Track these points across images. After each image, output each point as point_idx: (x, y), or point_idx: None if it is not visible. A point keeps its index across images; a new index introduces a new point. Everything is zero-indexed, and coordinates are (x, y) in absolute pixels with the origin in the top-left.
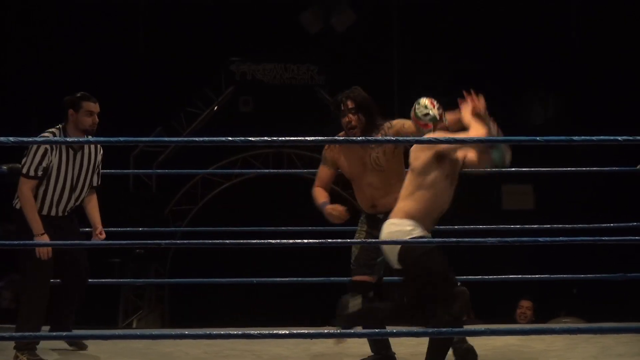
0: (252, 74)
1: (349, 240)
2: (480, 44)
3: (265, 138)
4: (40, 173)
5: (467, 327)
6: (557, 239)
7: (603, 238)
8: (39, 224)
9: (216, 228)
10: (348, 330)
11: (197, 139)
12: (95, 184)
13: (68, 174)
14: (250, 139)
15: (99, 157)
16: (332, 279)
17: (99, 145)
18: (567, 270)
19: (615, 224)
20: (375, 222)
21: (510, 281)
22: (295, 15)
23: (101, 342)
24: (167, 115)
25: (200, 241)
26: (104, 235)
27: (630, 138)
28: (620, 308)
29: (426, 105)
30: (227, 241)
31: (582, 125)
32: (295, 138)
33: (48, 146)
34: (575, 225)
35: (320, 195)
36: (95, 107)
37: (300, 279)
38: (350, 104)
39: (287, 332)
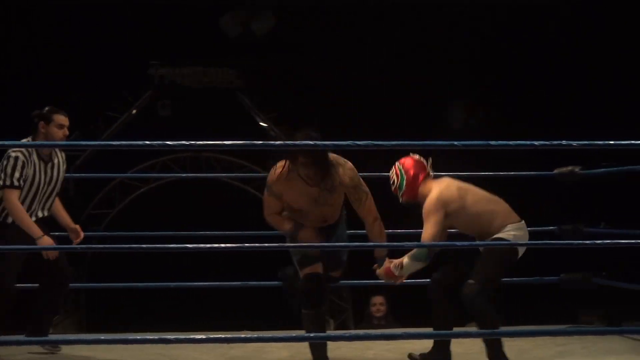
0: (170, 77)
1: (266, 245)
2: (402, 47)
3: (183, 142)
4: (22, 183)
5: (385, 332)
6: (474, 242)
7: (519, 242)
8: (36, 228)
9: (134, 232)
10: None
11: (114, 142)
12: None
13: (40, 184)
14: (168, 142)
15: (64, 168)
16: (252, 283)
17: (64, 157)
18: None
19: (532, 228)
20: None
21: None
22: (215, 19)
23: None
24: (85, 118)
25: (118, 245)
26: (82, 234)
27: (547, 143)
28: (536, 311)
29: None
30: (144, 245)
31: (503, 131)
32: (214, 142)
33: (26, 158)
34: None
35: (281, 221)
36: (65, 120)
37: (217, 283)
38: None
39: (204, 336)
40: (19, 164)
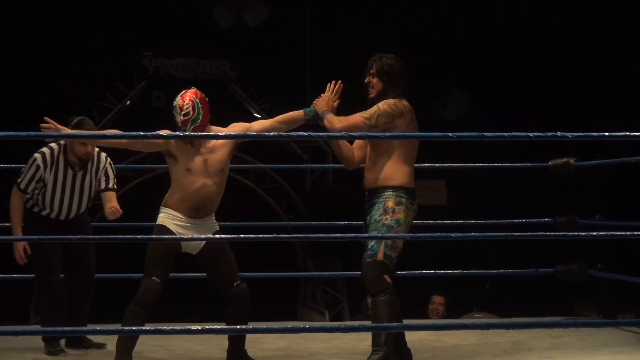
0: (164, 68)
1: (260, 236)
2: (395, 37)
3: (177, 133)
4: (30, 190)
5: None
6: (469, 234)
7: (515, 234)
8: (18, 230)
9: (130, 223)
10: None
11: (109, 132)
12: (103, 188)
13: (66, 190)
14: (162, 133)
15: (102, 166)
16: (247, 274)
17: (104, 168)
18: (479, 266)
19: (527, 220)
20: None
21: (423, 276)
22: (208, 9)
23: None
24: (79, 109)
25: (113, 236)
26: (118, 212)
27: (542, 134)
28: (531, 303)
29: (175, 107)
30: (139, 236)
31: (495, 122)
32: (207, 133)
33: (41, 163)
34: (487, 221)
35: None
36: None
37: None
38: (372, 69)
39: (199, 327)
40: (33, 168)
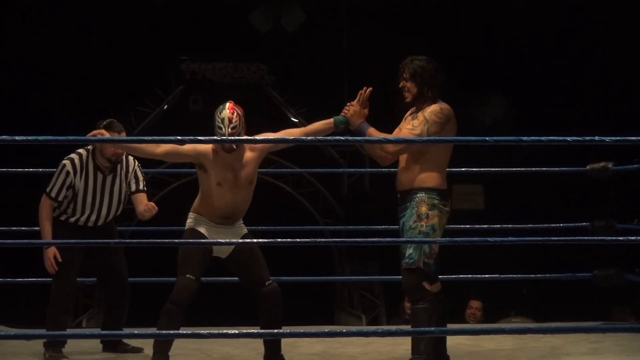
0: (202, 73)
1: (298, 240)
2: (432, 43)
3: (214, 137)
4: (61, 197)
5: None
6: (506, 239)
7: (552, 238)
8: (49, 237)
9: (167, 227)
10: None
11: (147, 137)
12: (134, 190)
13: (97, 195)
14: (199, 138)
15: (131, 169)
16: (284, 278)
17: (130, 162)
18: (516, 270)
19: (565, 224)
20: None
21: (460, 281)
22: (245, 14)
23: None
24: (117, 114)
25: (151, 240)
26: (154, 208)
27: (579, 139)
28: (569, 308)
29: (223, 120)
30: (176, 240)
31: (531, 127)
32: (245, 138)
33: (71, 170)
34: (524, 225)
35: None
36: (118, 137)
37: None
38: (405, 73)
39: (236, 331)
40: (63, 174)
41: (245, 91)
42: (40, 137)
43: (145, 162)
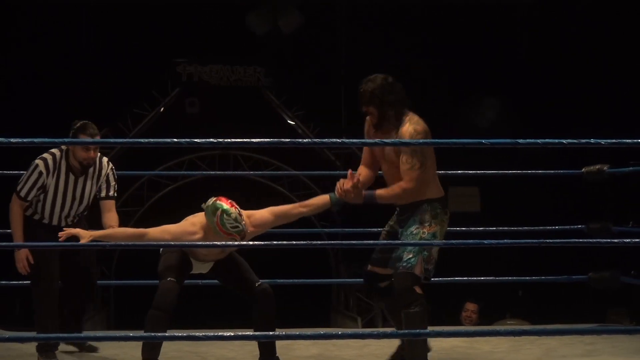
0: (198, 75)
1: (294, 242)
2: (428, 46)
3: (211, 140)
4: (31, 197)
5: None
6: (502, 241)
7: (548, 240)
8: (20, 238)
9: None
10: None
11: (143, 140)
12: (103, 196)
13: (67, 196)
14: (196, 140)
15: (104, 172)
16: (280, 280)
17: (104, 164)
18: (512, 273)
19: (560, 227)
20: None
21: (456, 283)
22: (242, 16)
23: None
24: (113, 116)
25: (147, 243)
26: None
27: (575, 141)
28: (564, 310)
29: (237, 218)
30: (172, 243)
31: (527, 129)
32: (242, 140)
33: (44, 170)
34: (520, 228)
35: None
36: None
37: None
38: (363, 98)
39: (232, 334)
40: (35, 174)
41: (241, 94)
42: (35, 140)
43: (142, 164)
